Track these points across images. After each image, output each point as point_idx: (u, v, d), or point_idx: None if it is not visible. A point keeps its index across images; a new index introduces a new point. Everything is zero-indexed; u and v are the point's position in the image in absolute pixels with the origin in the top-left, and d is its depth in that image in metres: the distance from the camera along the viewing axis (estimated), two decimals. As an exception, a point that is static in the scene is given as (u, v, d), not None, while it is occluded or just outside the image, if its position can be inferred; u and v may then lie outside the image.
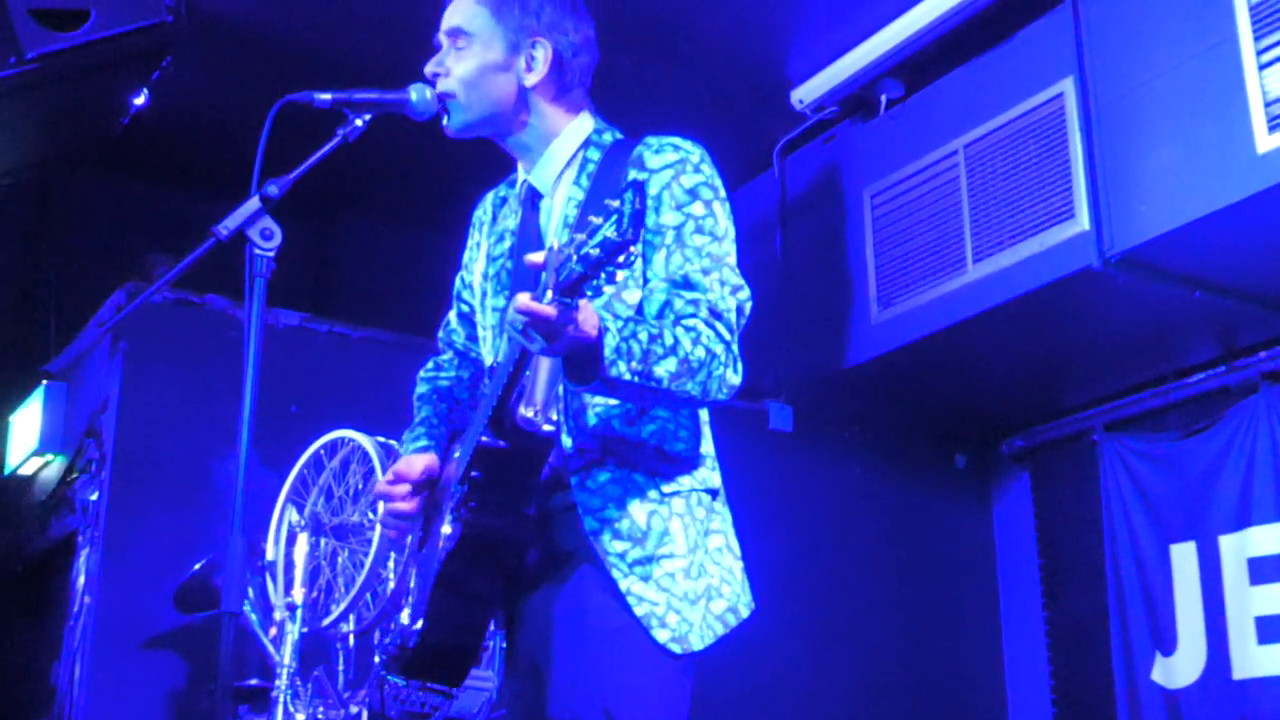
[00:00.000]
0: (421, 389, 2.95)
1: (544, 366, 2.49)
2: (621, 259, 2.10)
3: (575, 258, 2.12)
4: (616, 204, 2.09)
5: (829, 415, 5.88)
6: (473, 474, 2.49)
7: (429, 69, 2.70)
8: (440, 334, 3.03)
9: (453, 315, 2.99)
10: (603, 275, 2.12)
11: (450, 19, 2.71)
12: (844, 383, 5.41)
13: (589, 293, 2.15)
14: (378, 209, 6.26)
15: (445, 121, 2.69)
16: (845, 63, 5.14)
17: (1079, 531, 5.68)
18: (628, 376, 2.33)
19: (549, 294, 2.15)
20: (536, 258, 2.21)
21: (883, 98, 5.23)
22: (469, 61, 2.67)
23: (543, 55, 2.68)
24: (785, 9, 4.91)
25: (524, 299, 2.18)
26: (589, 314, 2.26)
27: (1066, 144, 4.47)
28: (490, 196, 2.90)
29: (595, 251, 2.10)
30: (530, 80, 2.68)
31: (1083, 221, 4.39)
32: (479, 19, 2.68)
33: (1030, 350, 5.14)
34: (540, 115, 2.70)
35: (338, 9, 4.88)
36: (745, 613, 2.60)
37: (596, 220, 2.11)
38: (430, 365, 3.00)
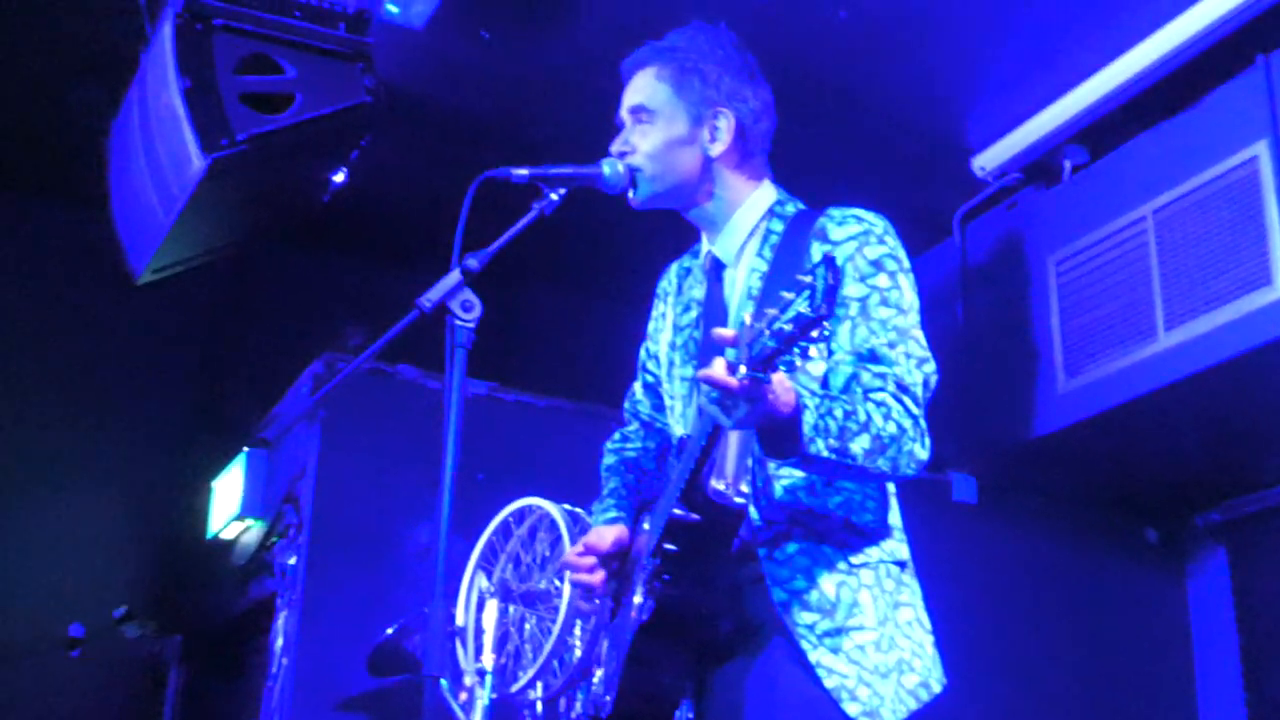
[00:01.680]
0: (609, 460, 2.98)
1: (734, 439, 2.50)
2: (814, 334, 2.10)
3: (768, 333, 2.12)
4: (809, 279, 2.10)
5: (1014, 487, 5.77)
6: (666, 546, 2.51)
7: (615, 148, 2.75)
8: (626, 405, 3.05)
9: (638, 386, 3.02)
10: (795, 350, 2.12)
11: (632, 97, 2.77)
12: (1030, 453, 5.30)
13: (781, 367, 2.17)
14: (559, 278, 6.38)
15: (632, 195, 2.73)
16: (1027, 129, 5.09)
17: (1281, 610, 5.46)
18: (825, 454, 2.33)
19: (742, 369, 2.16)
20: (727, 333, 2.23)
21: (1067, 164, 5.15)
22: (654, 137, 2.71)
23: (726, 125, 2.71)
24: (965, 76, 4.89)
25: (717, 371, 2.20)
26: (784, 389, 2.27)
27: (1261, 208, 4.33)
28: (674, 267, 2.93)
29: (788, 326, 2.10)
30: (715, 150, 2.71)
31: (1280, 288, 4.26)
32: (660, 95, 2.73)
33: (1226, 420, 4.98)
34: (724, 185, 2.73)
35: (524, 86, 5.02)
36: (937, 688, 2.56)
37: (789, 295, 2.12)
38: (617, 437, 3.03)
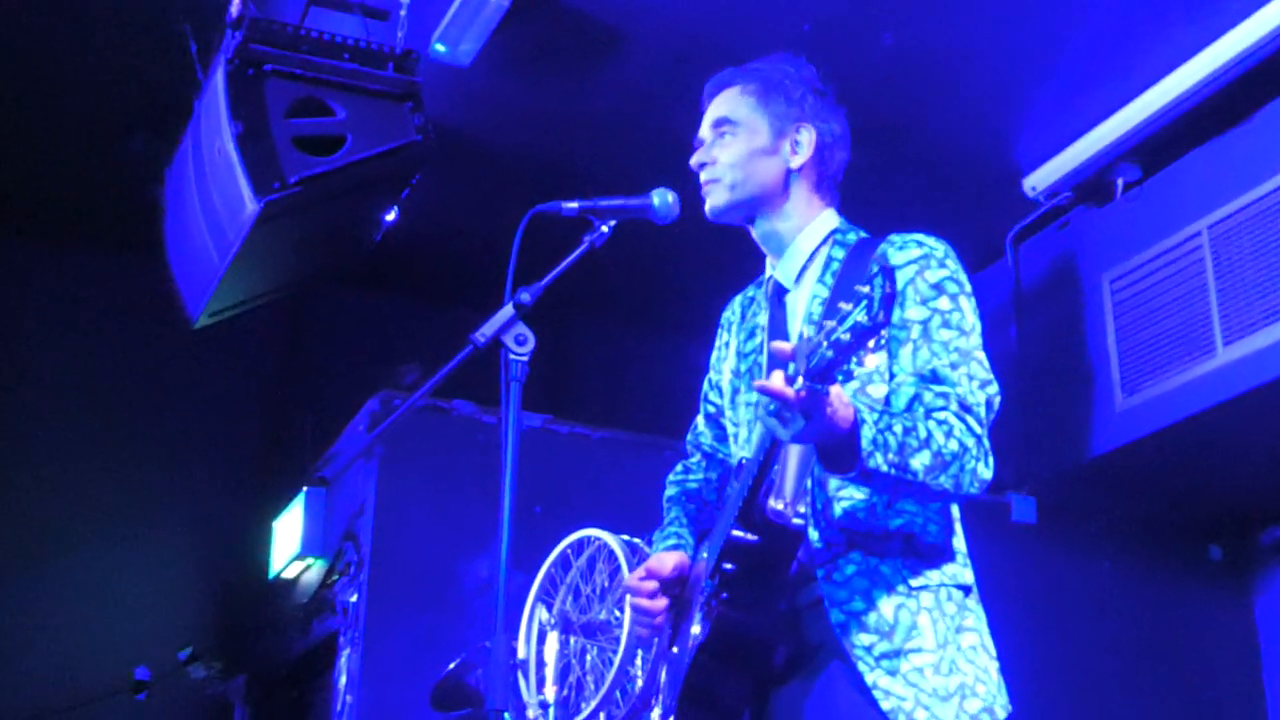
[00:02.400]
0: (670, 491, 3.00)
1: (793, 460, 2.50)
2: (871, 344, 2.11)
3: (826, 344, 2.13)
4: (866, 289, 2.11)
5: (1074, 507, 5.71)
6: (724, 566, 2.50)
7: (695, 159, 2.80)
8: (689, 437, 3.07)
9: (700, 418, 3.03)
10: (853, 360, 2.13)
11: (715, 112, 2.81)
12: (1089, 473, 5.26)
13: (839, 378, 2.17)
14: (611, 309, 6.40)
15: (707, 205, 2.77)
16: (1078, 148, 5.07)
17: (1352, 626, 5.37)
18: (885, 468, 2.33)
19: (800, 380, 2.17)
20: (785, 346, 2.24)
21: (1119, 181, 5.12)
22: (736, 147, 2.75)
23: (808, 139, 2.75)
24: (1015, 97, 4.88)
25: (774, 382, 2.20)
26: (843, 404, 2.27)
27: (1318, 220, 4.31)
28: (738, 299, 2.96)
29: (846, 336, 2.11)
30: (796, 162, 2.75)
31: (1340, 299, 4.22)
32: (744, 108, 2.77)
33: (1289, 435, 4.93)
34: (796, 202, 2.75)
35: (572, 122, 5.06)
36: (1002, 715, 2.53)
37: (847, 306, 2.13)
38: (679, 468, 3.05)
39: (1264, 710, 5.77)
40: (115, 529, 5.76)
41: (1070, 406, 5.17)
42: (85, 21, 4.61)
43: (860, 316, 2.10)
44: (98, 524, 5.75)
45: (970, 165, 5.24)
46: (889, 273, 2.11)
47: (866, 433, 2.30)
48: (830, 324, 2.14)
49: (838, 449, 2.31)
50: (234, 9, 3.89)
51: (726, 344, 2.92)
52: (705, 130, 2.82)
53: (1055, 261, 5.38)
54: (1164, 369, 4.78)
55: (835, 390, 2.23)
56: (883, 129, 4.95)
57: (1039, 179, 5.25)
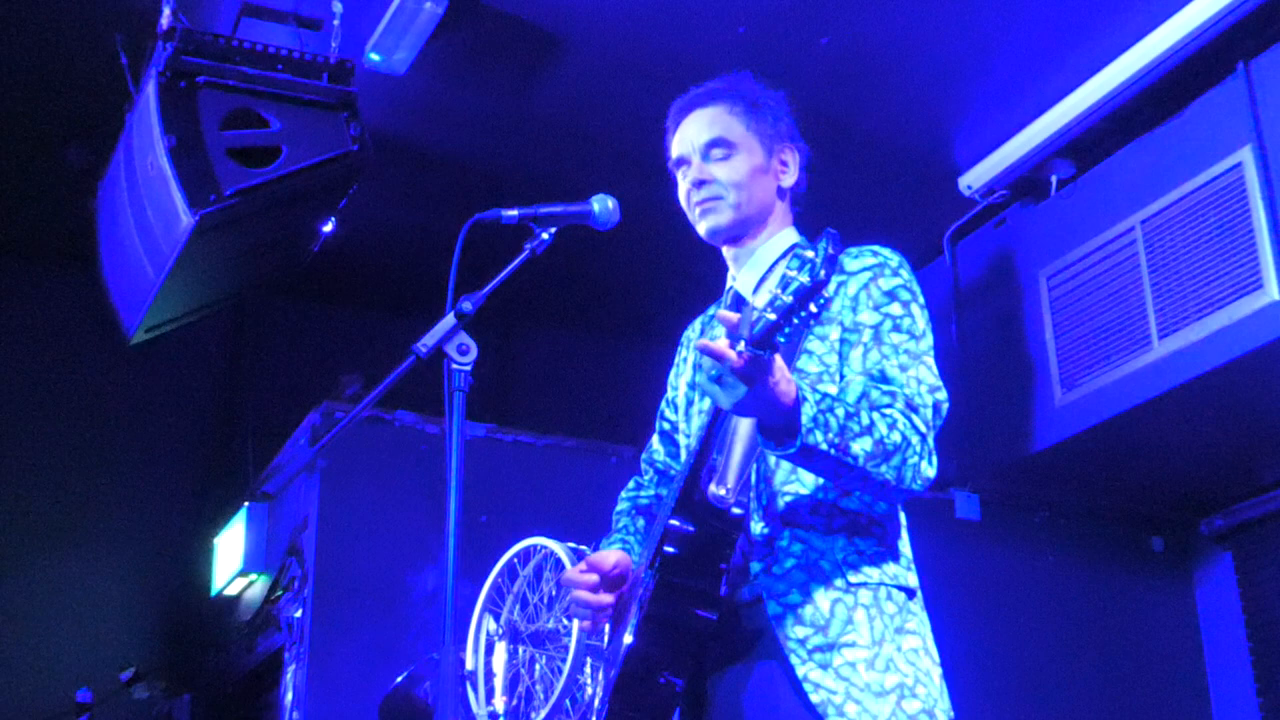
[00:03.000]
0: (621, 505, 3.01)
1: (738, 448, 2.51)
2: (813, 306, 2.13)
3: (769, 309, 2.15)
4: (810, 254, 2.13)
5: (1017, 502, 5.76)
6: (665, 550, 2.49)
7: (692, 177, 2.76)
8: (643, 455, 3.08)
9: (655, 436, 3.04)
10: (795, 320, 2.15)
11: (707, 133, 2.77)
12: (1031, 468, 5.30)
13: (781, 339, 2.18)
14: (556, 316, 6.39)
15: (707, 224, 2.74)
16: (1013, 146, 5.12)
17: (1291, 613, 5.44)
18: (824, 447, 2.33)
19: (741, 344, 2.19)
20: (731, 315, 2.27)
21: (1053, 178, 5.18)
22: (738, 166, 2.75)
23: (793, 159, 2.80)
24: (949, 96, 4.92)
25: (717, 344, 2.22)
26: (785, 379, 2.28)
27: (1249, 213, 4.35)
28: (699, 318, 2.98)
29: (788, 299, 2.13)
30: (787, 181, 2.79)
31: (1272, 291, 4.26)
32: (738, 128, 2.78)
33: (1225, 425, 4.98)
34: (774, 217, 2.79)
35: (509, 128, 5.04)
36: (943, 719, 2.53)
37: (791, 272, 2.15)
38: (631, 484, 3.05)
39: (1206, 696, 5.84)
40: (53, 547, 5.68)
41: (1010, 403, 5.21)
42: (13, 30, 4.54)
43: (803, 278, 2.12)
44: (35, 542, 5.67)
45: (907, 165, 5.27)
46: (835, 237, 2.14)
47: (807, 410, 2.31)
48: (775, 290, 2.16)
49: (778, 423, 2.32)
50: (165, 20, 3.85)
51: (684, 359, 2.94)
52: (690, 150, 2.78)
53: (992, 259, 5.42)
54: (1101, 364, 4.83)
55: (779, 361, 2.24)
56: (819, 130, 4.96)
57: (974, 177, 5.30)
